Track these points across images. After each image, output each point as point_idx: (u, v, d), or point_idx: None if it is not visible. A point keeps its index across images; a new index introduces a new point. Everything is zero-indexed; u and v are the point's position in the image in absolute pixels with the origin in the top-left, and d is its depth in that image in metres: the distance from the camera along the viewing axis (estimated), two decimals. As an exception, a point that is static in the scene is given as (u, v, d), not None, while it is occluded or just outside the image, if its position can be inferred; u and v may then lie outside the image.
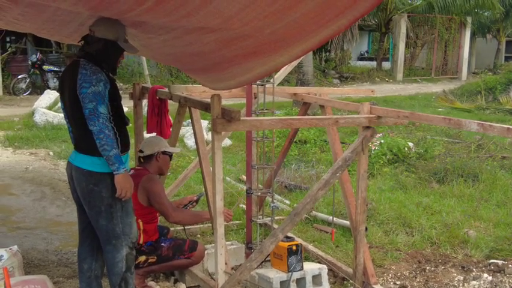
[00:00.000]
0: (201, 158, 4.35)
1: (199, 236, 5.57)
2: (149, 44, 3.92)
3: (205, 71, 4.02)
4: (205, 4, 2.58)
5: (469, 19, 25.16)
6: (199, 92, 4.83)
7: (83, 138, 3.54)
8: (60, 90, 3.72)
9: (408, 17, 23.93)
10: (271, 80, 4.70)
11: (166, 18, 2.90)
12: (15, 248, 4.39)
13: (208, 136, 8.46)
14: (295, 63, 5.51)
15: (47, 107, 12.11)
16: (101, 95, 3.39)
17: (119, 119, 3.58)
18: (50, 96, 12.70)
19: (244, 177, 7.41)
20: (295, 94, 5.29)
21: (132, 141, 4.04)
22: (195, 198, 4.87)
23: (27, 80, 16.62)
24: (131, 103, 5.29)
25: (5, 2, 3.26)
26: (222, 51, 3.30)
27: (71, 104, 3.50)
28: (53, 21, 3.86)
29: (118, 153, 3.41)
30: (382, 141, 8.89)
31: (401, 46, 23.85)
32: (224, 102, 3.71)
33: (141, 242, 4.25)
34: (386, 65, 26.04)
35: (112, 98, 3.51)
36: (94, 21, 3.50)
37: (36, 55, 16.74)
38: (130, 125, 3.80)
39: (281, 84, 8.26)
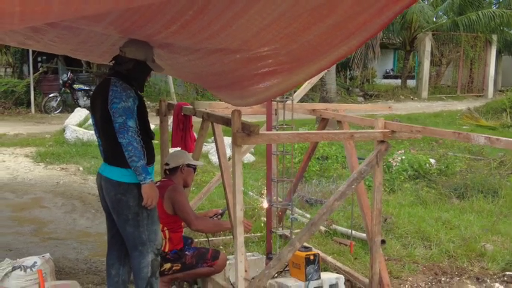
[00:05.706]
0: (222, 171, 4.56)
1: (221, 247, 5.76)
2: (174, 64, 4.18)
3: (226, 88, 4.25)
4: (225, 27, 2.83)
5: (495, 37, 25.01)
6: (221, 108, 5.05)
7: (112, 151, 3.79)
8: (91, 106, 4.00)
9: (433, 35, 23.90)
10: (291, 97, 4.92)
11: (190, 40, 3.15)
12: (47, 255, 4.62)
13: (230, 152, 8.64)
14: (314, 80, 5.71)
15: (77, 124, 12.45)
16: (130, 110, 3.65)
17: (145, 133, 3.84)
18: (81, 114, 13.07)
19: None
20: (314, 110, 5.48)
21: (158, 157, 4.25)
22: (220, 211, 5.05)
23: (58, 99, 16.98)
24: (157, 120, 5.54)
25: (43, 25, 3.55)
26: (242, 70, 3.53)
27: (102, 119, 3.77)
28: (86, 43, 4.16)
29: (144, 165, 3.65)
30: (403, 157, 9.00)
31: (426, 64, 23.80)
32: (246, 119, 3.93)
33: (166, 250, 4.46)
34: (411, 83, 26.03)
35: (140, 113, 3.77)
36: (124, 43, 3.79)
37: (67, 74, 17.10)
38: (157, 142, 4.04)
39: (304, 101, 8.45)
